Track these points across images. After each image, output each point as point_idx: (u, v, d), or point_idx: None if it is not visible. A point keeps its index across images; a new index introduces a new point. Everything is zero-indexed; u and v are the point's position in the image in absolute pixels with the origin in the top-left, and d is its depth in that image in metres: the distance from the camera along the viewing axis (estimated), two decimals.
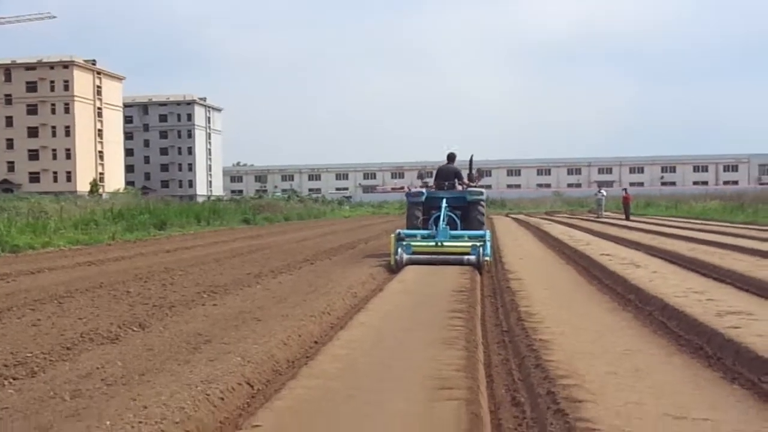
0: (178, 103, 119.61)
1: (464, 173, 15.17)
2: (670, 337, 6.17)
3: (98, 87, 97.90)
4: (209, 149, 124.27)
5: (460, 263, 11.86)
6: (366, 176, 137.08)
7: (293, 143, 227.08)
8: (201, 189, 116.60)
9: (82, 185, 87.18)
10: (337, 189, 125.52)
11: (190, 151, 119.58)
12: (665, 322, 6.73)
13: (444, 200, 13.78)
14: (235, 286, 9.83)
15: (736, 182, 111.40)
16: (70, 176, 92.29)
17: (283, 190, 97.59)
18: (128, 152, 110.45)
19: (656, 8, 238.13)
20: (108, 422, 3.81)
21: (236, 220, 33.68)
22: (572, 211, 57.94)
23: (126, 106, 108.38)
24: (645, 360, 5.25)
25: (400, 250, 12.28)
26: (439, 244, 12.62)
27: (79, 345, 6.01)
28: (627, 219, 35.19)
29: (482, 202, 14.33)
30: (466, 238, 12.79)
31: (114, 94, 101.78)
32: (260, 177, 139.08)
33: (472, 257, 11.93)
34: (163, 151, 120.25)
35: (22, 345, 6.03)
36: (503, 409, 4.45)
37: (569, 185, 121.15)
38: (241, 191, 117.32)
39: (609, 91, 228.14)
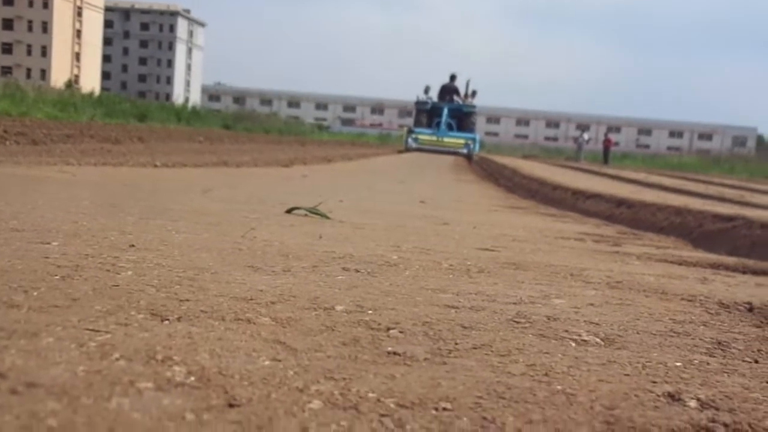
0: (162, 13, 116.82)
1: (462, 92, 18.35)
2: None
3: None
4: (189, 64, 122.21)
5: (455, 154, 14.07)
6: (345, 109, 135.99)
7: (274, 70, 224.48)
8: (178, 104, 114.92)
9: (57, 85, 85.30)
10: (316, 119, 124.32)
11: (170, 63, 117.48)
12: None
13: (445, 109, 16.79)
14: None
15: (708, 151, 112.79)
16: (44, 74, 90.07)
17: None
18: (106, 58, 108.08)
19: None
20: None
21: (216, 125, 33.39)
22: (548, 158, 58.28)
23: (107, 9, 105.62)
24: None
25: (409, 140, 15.63)
26: (440, 139, 15.50)
27: None
28: (605, 164, 35.57)
29: (475, 113, 17.33)
30: (461, 138, 15.08)
31: None
32: (239, 99, 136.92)
33: (465, 150, 14.78)
34: (142, 61, 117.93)
35: None
36: None
37: (546, 138, 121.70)
38: (219, 111, 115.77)
39: (592, 51, 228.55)
